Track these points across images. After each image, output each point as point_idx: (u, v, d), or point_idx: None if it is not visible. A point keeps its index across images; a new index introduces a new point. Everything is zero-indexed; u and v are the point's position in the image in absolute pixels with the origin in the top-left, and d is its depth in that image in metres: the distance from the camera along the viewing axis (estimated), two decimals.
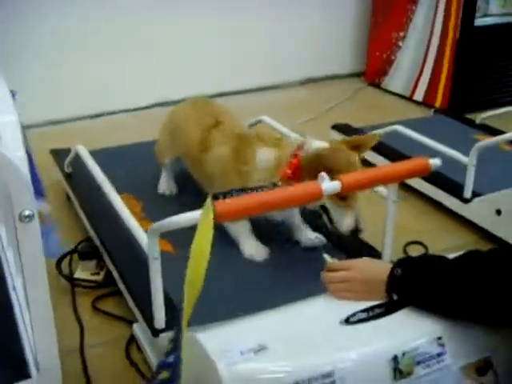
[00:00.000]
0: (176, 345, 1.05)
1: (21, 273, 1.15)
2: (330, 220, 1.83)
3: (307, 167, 1.77)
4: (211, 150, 2.07)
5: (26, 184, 1.02)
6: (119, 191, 2.11)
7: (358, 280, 1.42)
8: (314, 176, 1.62)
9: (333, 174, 1.57)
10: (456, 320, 1.35)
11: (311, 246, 2.05)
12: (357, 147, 1.84)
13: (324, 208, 1.84)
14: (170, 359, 1.03)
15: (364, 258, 1.50)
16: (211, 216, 1.26)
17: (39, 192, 1.94)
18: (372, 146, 1.92)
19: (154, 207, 2.29)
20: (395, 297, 1.38)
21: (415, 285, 1.36)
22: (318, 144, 1.85)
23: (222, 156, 2.02)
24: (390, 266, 1.41)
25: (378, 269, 1.44)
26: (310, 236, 2.07)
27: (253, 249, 2.01)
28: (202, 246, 1.16)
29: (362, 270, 1.44)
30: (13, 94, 1.23)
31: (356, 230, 1.81)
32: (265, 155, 1.92)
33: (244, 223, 2.02)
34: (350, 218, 1.78)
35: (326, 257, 1.55)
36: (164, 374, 1.01)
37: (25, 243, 1.06)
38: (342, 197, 1.74)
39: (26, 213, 1.02)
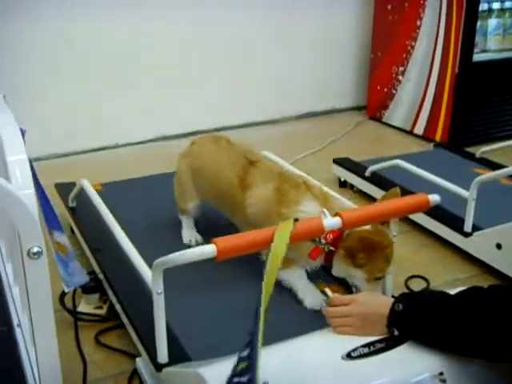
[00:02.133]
0: (252, 364, 0.97)
1: (27, 309, 1.17)
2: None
3: (347, 242, 1.74)
4: (251, 188, 2.00)
5: (35, 221, 1.04)
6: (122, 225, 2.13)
7: (359, 315, 1.44)
8: (351, 256, 1.72)
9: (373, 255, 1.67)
10: (457, 355, 1.36)
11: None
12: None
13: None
14: (244, 379, 0.96)
15: (364, 292, 1.52)
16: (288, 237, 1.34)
17: (58, 226, 1.97)
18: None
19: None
20: (396, 332, 1.39)
21: (416, 320, 1.38)
22: None
23: (264, 195, 1.96)
24: (391, 300, 1.43)
25: (378, 303, 1.45)
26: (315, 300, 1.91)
27: (313, 297, 1.91)
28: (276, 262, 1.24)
29: (363, 305, 1.45)
30: (22, 132, 1.26)
31: None
32: (308, 205, 1.85)
33: (300, 271, 1.95)
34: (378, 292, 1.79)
35: (328, 291, 1.57)
36: None
37: (33, 280, 1.07)
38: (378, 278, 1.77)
39: (35, 249, 1.04)
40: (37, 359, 1.13)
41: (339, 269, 1.82)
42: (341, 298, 1.53)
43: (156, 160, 3.61)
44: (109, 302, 2.16)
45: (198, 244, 2.29)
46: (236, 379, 0.92)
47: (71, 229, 2.65)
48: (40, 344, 1.13)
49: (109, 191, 2.58)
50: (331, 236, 1.72)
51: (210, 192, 2.24)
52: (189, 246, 2.23)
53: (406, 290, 2.30)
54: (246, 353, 0.99)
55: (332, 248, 1.74)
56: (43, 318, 1.10)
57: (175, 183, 2.38)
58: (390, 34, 4.32)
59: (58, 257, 1.98)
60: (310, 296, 1.92)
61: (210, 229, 2.34)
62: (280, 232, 1.38)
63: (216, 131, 4.17)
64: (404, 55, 4.23)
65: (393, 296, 1.49)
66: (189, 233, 2.37)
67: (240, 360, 0.97)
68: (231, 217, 2.19)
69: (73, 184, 2.68)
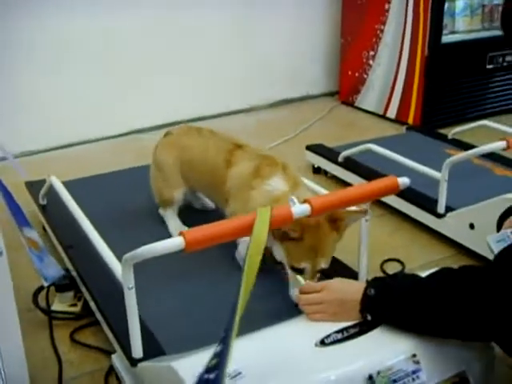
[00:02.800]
0: (221, 361, 0.95)
1: None
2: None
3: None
4: (234, 166, 2.04)
5: None
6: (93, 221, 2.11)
7: (331, 301, 1.44)
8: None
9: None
10: (430, 337, 1.37)
11: None
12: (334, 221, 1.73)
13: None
14: (212, 375, 0.94)
15: (336, 278, 1.52)
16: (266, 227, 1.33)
17: (26, 222, 1.94)
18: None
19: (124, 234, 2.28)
20: (369, 317, 1.39)
21: (388, 304, 1.38)
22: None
23: (243, 171, 2.00)
24: (363, 285, 1.43)
25: (351, 289, 1.45)
26: None
27: None
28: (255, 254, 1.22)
29: (335, 291, 1.45)
30: None
31: None
32: (277, 182, 1.90)
33: None
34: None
35: (300, 278, 1.56)
36: None
37: None
38: (298, 270, 1.74)
39: None
40: (1, 360, 1.11)
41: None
42: (313, 285, 1.53)
43: (128, 154, 3.58)
44: (83, 299, 2.14)
45: None
46: (206, 375, 0.91)
47: (43, 227, 2.61)
48: (4, 343, 1.11)
49: (78, 187, 2.54)
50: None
51: (198, 179, 2.26)
52: None
53: (381, 274, 2.31)
54: (218, 349, 0.98)
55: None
56: (6, 314, 1.08)
57: (155, 175, 2.36)
58: (358, 19, 4.32)
59: (32, 253, 1.96)
60: None
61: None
62: (260, 218, 1.37)
63: (190, 122, 4.15)
64: (374, 39, 4.23)
65: (367, 280, 1.48)
66: (174, 224, 2.35)
67: (213, 356, 0.96)
68: (216, 200, 2.24)
69: (43, 182, 2.64)
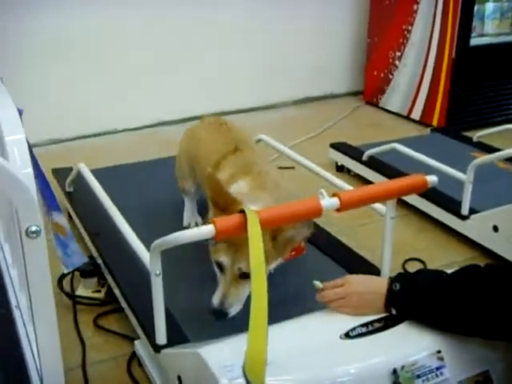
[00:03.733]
0: None
1: (26, 290, 1.17)
2: None
3: None
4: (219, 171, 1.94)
5: (33, 200, 1.04)
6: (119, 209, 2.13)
7: (354, 294, 1.45)
8: None
9: None
10: (454, 334, 1.37)
11: None
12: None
13: None
14: None
15: (357, 275, 1.53)
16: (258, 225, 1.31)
17: (57, 207, 1.97)
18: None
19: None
20: (394, 311, 1.40)
21: (413, 299, 1.38)
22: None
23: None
24: (385, 280, 1.44)
25: (373, 282, 1.47)
26: None
27: None
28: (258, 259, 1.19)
29: (357, 284, 1.47)
30: (20, 111, 1.25)
31: (221, 313, 1.60)
32: (239, 185, 1.80)
33: None
34: (216, 296, 1.61)
35: (317, 283, 1.56)
36: None
37: (31, 259, 1.07)
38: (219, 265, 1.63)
39: (33, 228, 1.03)
40: (36, 339, 1.14)
41: None
42: (333, 282, 1.53)
43: (154, 146, 3.61)
44: (107, 285, 2.17)
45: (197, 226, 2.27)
46: None
47: (69, 214, 2.64)
48: (39, 323, 1.13)
49: (105, 176, 2.57)
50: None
51: (200, 175, 2.17)
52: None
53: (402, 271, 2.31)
54: None
55: None
56: (42, 297, 1.10)
57: (176, 160, 2.39)
58: (386, 19, 4.31)
59: (57, 239, 1.99)
60: None
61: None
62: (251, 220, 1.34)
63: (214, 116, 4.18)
64: (401, 40, 4.21)
65: (390, 277, 1.49)
66: (189, 215, 2.37)
67: None
68: None
69: (70, 169, 2.67)
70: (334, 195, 1.51)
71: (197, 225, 2.30)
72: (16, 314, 1.60)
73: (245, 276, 1.58)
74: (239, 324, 1.49)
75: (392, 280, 1.43)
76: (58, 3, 3.55)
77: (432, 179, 1.65)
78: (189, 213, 2.37)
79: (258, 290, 1.19)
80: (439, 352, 1.34)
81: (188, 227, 2.30)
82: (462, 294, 1.34)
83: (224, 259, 1.60)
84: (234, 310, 1.59)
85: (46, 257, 1.08)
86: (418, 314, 1.40)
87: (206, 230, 1.38)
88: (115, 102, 3.89)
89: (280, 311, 1.47)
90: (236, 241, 1.54)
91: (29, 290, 1.12)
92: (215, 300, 1.61)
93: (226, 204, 1.58)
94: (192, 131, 2.35)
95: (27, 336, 1.47)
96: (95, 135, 3.88)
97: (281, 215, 1.44)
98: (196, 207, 2.39)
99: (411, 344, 1.36)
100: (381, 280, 1.47)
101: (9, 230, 1.65)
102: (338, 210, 1.52)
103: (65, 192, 2.66)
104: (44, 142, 3.66)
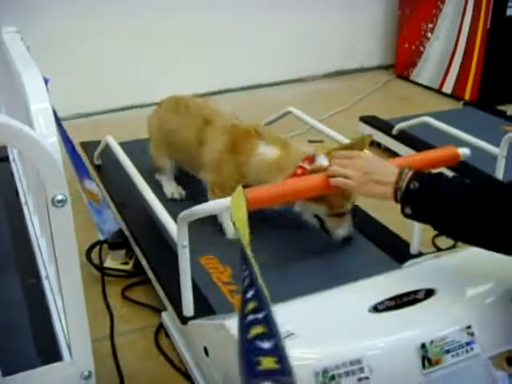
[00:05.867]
0: (261, 302, 0.88)
1: (54, 259, 1.17)
2: (325, 229, 1.95)
3: None
4: (206, 144, 2.09)
5: (59, 169, 1.03)
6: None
7: (361, 169, 1.41)
8: None
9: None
10: (485, 308, 1.34)
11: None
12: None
13: (318, 218, 1.93)
14: (260, 315, 0.85)
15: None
16: (243, 203, 1.28)
17: (87, 174, 1.99)
18: (366, 147, 1.82)
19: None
20: (409, 210, 1.34)
21: (432, 202, 1.31)
22: (323, 161, 1.81)
23: (217, 146, 2.04)
24: (396, 170, 1.37)
25: (384, 165, 1.42)
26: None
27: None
28: (242, 222, 1.18)
29: (367, 161, 1.43)
30: (45, 80, 1.25)
31: (350, 238, 1.95)
32: (265, 150, 1.94)
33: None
34: (344, 228, 1.93)
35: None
36: (257, 329, 0.82)
37: (58, 228, 1.07)
38: (339, 214, 1.88)
39: (59, 197, 1.03)
40: (64, 308, 1.14)
41: (301, 204, 1.90)
42: (344, 152, 1.53)
43: None
44: (134, 257, 2.18)
45: (181, 197, 2.34)
46: (251, 316, 0.87)
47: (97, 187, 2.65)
48: (66, 293, 1.14)
49: (132, 148, 2.57)
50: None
51: (177, 152, 2.31)
52: (173, 200, 2.31)
53: (432, 248, 2.28)
54: (250, 294, 0.94)
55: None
56: (69, 266, 1.11)
57: (149, 144, 2.45)
58: None
59: (92, 206, 2.01)
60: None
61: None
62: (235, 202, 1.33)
63: (243, 90, 4.18)
64: (433, 11, 4.11)
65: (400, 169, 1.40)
66: (169, 186, 2.39)
67: (246, 302, 0.93)
68: (195, 174, 2.26)
69: (98, 142, 2.68)
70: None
71: (181, 195, 2.35)
72: (46, 284, 1.62)
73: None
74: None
75: (411, 177, 1.34)
76: None
77: (464, 151, 1.61)
78: (168, 185, 2.40)
79: None
80: (469, 327, 1.31)
81: (172, 197, 2.34)
82: (485, 205, 1.25)
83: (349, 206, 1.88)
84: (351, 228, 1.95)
85: (72, 226, 1.08)
86: (434, 218, 1.32)
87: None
88: (143, 75, 3.88)
89: (308, 282, 1.46)
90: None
91: (56, 260, 1.12)
92: (343, 231, 1.92)
93: None
94: (160, 114, 2.43)
95: (56, 306, 1.49)
96: (123, 109, 3.88)
97: (307, 187, 1.42)
98: (174, 180, 2.42)
99: (441, 319, 1.33)
100: (390, 167, 1.40)
101: (37, 201, 1.67)
102: (338, 198, 1.50)
103: (93, 165, 2.67)
104: (72, 116, 3.67)
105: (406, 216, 1.35)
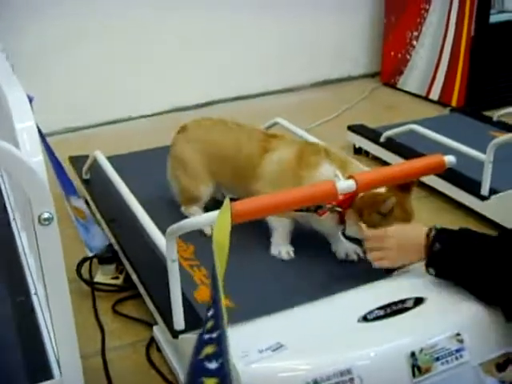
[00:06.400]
0: (217, 322, 0.92)
1: (41, 277, 1.17)
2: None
3: (360, 205, 1.72)
4: (273, 151, 2.00)
5: (45, 187, 1.03)
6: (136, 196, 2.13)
7: (391, 248, 1.51)
8: (360, 215, 1.70)
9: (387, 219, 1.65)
10: (475, 316, 1.35)
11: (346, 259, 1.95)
12: (406, 187, 1.73)
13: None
14: (214, 334, 0.90)
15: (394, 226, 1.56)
16: (229, 215, 1.28)
17: (74, 191, 1.99)
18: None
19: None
20: (433, 272, 1.42)
21: (454, 262, 1.39)
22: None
23: (285, 156, 1.96)
24: (423, 230, 1.46)
25: (411, 234, 1.51)
26: (348, 250, 1.95)
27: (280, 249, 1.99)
28: (221, 239, 1.18)
29: (394, 237, 1.52)
30: (30, 98, 1.25)
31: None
32: (327, 170, 1.84)
33: (285, 224, 1.98)
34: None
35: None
36: (208, 350, 0.86)
37: (45, 246, 1.07)
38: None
39: (46, 215, 1.03)
40: (52, 325, 1.14)
41: (350, 228, 1.82)
42: (374, 233, 1.59)
43: (169, 132, 3.57)
44: (125, 272, 2.17)
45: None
46: (207, 336, 0.90)
47: (86, 201, 2.65)
48: (55, 310, 1.14)
49: (121, 162, 2.57)
50: (341, 197, 1.71)
51: (227, 172, 2.15)
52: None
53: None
54: (210, 312, 0.97)
55: (338, 209, 1.74)
56: (57, 283, 1.11)
57: (177, 173, 2.25)
58: None
59: (79, 223, 2.01)
60: (280, 247, 1.98)
61: None
62: (219, 222, 1.32)
63: (230, 101, 4.17)
64: (418, 19, 4.14)
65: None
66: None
67: (207, 320, 0.95)
68: (245, 194, 2.08)
69: (86, 157, 2.68)
70: (350, 177, 1.49)
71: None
72: (35, 300, 1.61)
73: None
74: (254, 310, 1.50)
75: (433, 239, 1.43)
76: None
77: (450, 159, 1.63)
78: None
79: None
80: (459, 334, 1.32)
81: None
82: (506, 260, 1.32)
83: None
84: None
85: (59, 244, 1.08)
86: (458, 276, 1.40)
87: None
88: (129, 88, 3.87)
89: (295, 296, 1.47)
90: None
91: (44, 278, 1.12)
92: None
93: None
94: (194, 135, 2.27)
95: (45, 323, 1.49)
96: (110, 123, 3.88)
97: (295, 199, 1.43)
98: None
99: (430, 326, 1.35)
100: (418, 229, 1.49)
101: (25, 218, 1.66)
102: (354, 193, 1.50)
103: (82, 179, 2.66)
104: (60, 131, 3.67)
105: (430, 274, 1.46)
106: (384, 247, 1.53)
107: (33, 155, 1.11)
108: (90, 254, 2.17)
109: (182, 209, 2.26)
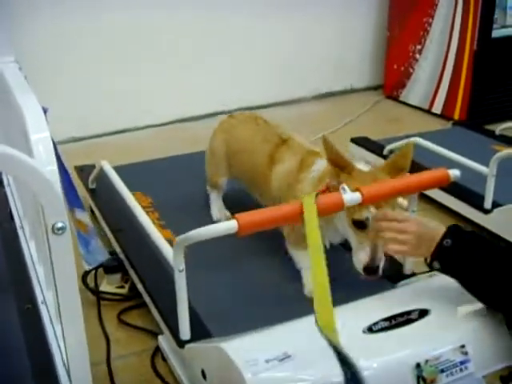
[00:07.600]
0: None
1: (53, 286, 1.19)
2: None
3: None
4: (278, 164, 2.03)
5: (59, 197, 1.05)
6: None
7: (415, 233, 1.42)
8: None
9: None
10: (480, 328, 1.36)
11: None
12: (399, 166, 1.67)
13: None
14: None
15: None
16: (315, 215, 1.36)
17: (79, 204, 2.00)
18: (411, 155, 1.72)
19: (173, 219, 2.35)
20: (437, 265, 1.40)
21: (462, 260, 1.38)
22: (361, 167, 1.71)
23: (288, 168, 1.98)
24: (442, 228, 1.42)
25: (432, 226, 1.45)
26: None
27: None
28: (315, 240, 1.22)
29: (417, 224, 1.44)
30: (44, 110, 1.27)
31: (372, 269, 1.59)
32: (318, 165, 1.87)
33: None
34: (364, 253, 1.59)
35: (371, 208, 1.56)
36: None
37: (57, 256, 1.09)
38: (360, 224, 1.58)
39: (59, 225, 1.05)
40: (63, 333, 1.15)
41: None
42: (394, 214, 1.52)
43: (175, 142, 3.62)
44: (130, 281, 2.19)
45: (226, 218, 2.32)
46: None
47: (91, 210, 2.67)
48: (66, 319, 1.15)
49: (128, 172, 2.59)
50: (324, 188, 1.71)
51: (242, 169, 2.25)
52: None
53: (425, 268, 2.29)
54: None
55: None
56: (69, 292, 1.12)
57: (208, 156, 2.41)
58: (406, 12, 4.28)
59: (79, 235, 2.02)
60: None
61: (237, 205, 2.35)
62: (307, 207, 1.40)
63: (233, 112, 4.18)
64: (421, 33, 4.18)
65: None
66: (218, 210, 2.40)
67: None
68: (259, 197, 2.19)
69: (93, 166, 2.70)
70: (356, 189, 1.51)
71: (226, 216, 2.35)
72: (42, 309, 1.63)
73: None
74: (262, 319, 1.51)
75: (445, 233, 1.40)
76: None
77: (454, 173, 1.64)
78: (217, 207, 2.41)
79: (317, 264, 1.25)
80: (463, 346, 1.34)
81: (218, 219, 2.35)
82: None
83: (369, 215, 1.56)
84: (381, 264, 1.60)
85: (72, 253, 1.10)
86: (463, 276, 1.39)
87: (229, 226, 1.39)
88: (136, 98, 3.91)
89: (301, 307, 1.48)
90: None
91: (56, 287, 1.14)
92: (363, 256, 1.59)
93: (345, 163, 1.62)
94: (229, 127, 2.35)
95: (54, 331, 1.50)
96: (117, 132, 3.90)
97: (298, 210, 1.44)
98: (222, 202, 2.43)
99: (435, 338, 1.36)
100: (438, 226, 1.44)
101: (34, 227, 1.68)
102: (360, 205, 1.52)
103: (88, 189, 2.68)
104: (67, 140, 3.69)
105: (432, 268, 1.43)
106: (406, 230, 1.43)
107: (47, 165, 1.13)
108: (88, 268, 2.18)
109: (207, 187, 2.45)
